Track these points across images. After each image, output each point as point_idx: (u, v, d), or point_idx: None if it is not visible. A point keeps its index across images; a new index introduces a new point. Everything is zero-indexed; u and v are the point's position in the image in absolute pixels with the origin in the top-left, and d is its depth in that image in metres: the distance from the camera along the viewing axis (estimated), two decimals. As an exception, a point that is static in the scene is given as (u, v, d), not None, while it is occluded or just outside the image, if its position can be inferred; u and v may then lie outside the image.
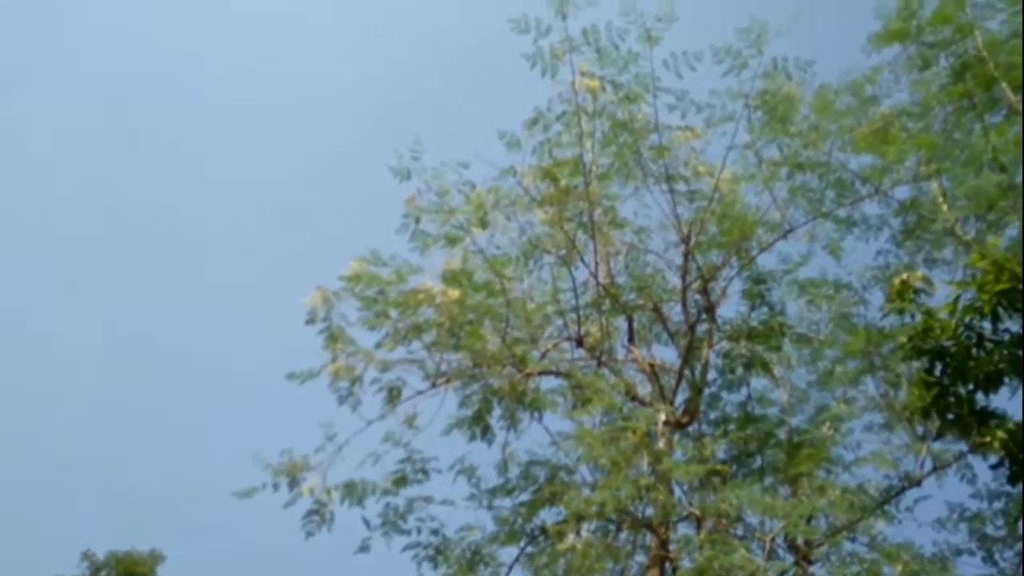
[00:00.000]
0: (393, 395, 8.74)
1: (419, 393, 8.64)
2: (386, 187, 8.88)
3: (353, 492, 8.52)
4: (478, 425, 8.85)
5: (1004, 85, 9.36)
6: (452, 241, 9.07)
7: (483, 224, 9.50)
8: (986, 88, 9.51)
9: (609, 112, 9.90)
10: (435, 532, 8.88)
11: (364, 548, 8.75)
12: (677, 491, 9.28)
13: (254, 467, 8.40)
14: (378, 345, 8.57)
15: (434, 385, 8.59)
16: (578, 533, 7.51)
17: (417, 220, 8.97)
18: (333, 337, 8.52)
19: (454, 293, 8.35)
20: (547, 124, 9.44)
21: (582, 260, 10.52)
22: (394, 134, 9.57)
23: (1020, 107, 9.19)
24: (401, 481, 8.76)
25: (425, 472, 8.82)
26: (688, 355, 10.60)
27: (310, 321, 8.57)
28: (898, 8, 9.65)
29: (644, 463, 7.93)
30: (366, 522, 8.73)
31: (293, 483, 8.36)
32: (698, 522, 8.33)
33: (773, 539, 7.94)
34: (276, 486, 8.36)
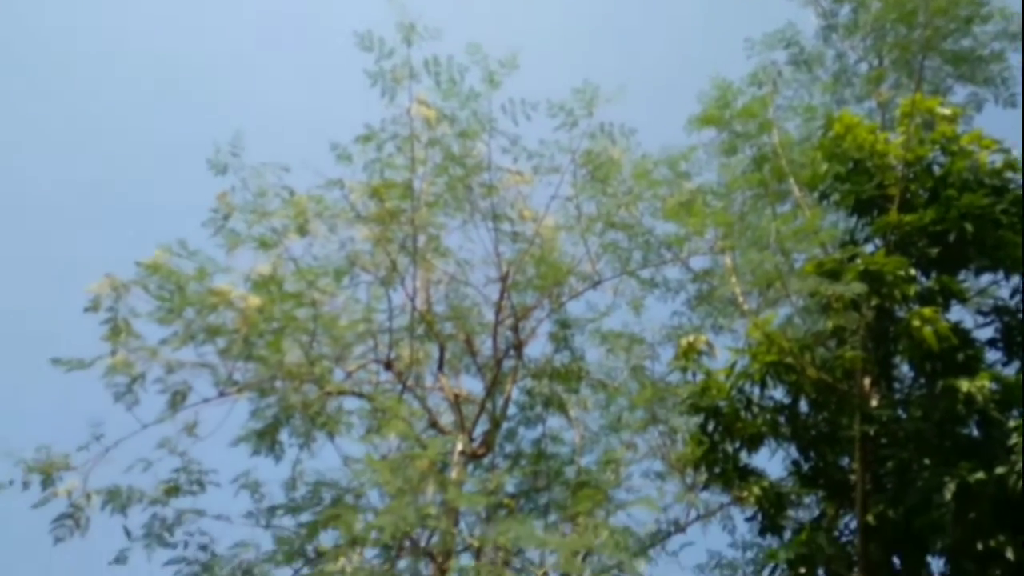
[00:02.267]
0: (177, 399, 7.95)
1: (205, 400, 7.93)
2: (202, 181, 8.24)
3: (116, 498, 7.61)
4: (267, 440, 8.26)
5: (792, 180, 10.31)
6: (265, 245, 8.51)
7: (301, 231, 9.01)
8: (779, 180, 10.41)
9: (444, 144, 9.80)
10: (203, 548, 8.10)
11: (120, 559, 7.83)
12: (463, 522, 9.16)
13: (3, 461, 7.33)
14: (163, 342, 7.81)
15: (222, 394, 7.92)
16: (352, 557, 7.13)
17: (227, 217, 8.35)
18: (117, 329, 7.64)
19: (256, 300, 7.79)
20: (380, 144, 9.19)
21: (402, 284, 10.28)
22: (216, 128, 8.92)
23: (804, 202, 10.15)
24: (173, 491, 7.94)
25: (201, 484, 8.05)
26: (492, 388, 10.58)
27: (91, 309, 7.67)
28: (716, 97, 10.38)
29: (432, 491, 7.73)
30: (127, 532, 7.84)
31: (48, 482, 7.36)
32: (477, 553, 8.22)
33: (546, 573, 7.98)
34: (27, 484, 7.33)
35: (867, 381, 8.94)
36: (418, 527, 7.56)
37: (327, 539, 8.15)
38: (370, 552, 7.92)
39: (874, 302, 8.25)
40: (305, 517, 8.32)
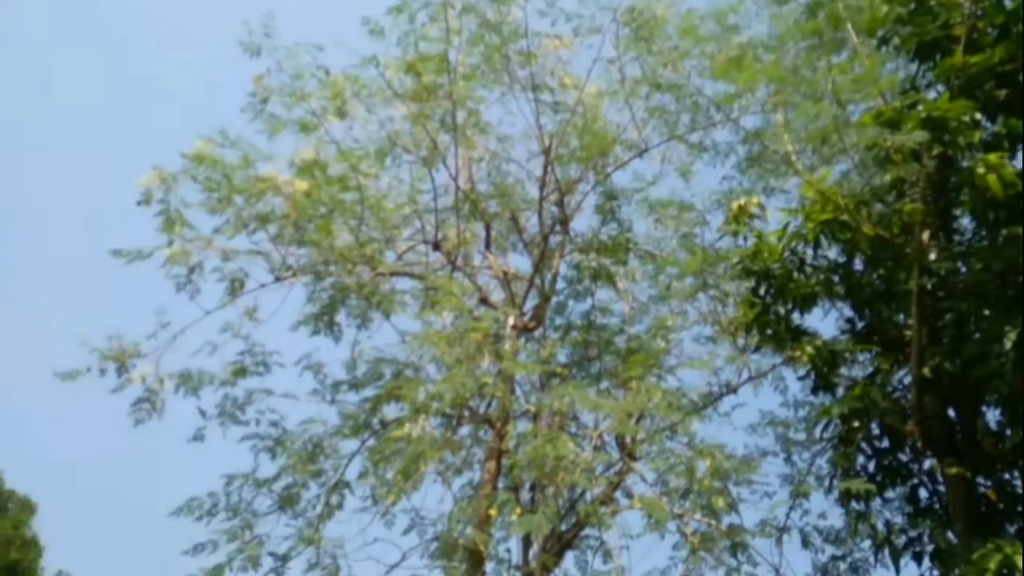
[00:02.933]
0: (235, 286, 8.23)
1: (263, 286, 8.19)
2: (235, 66, 8.15)
3: (188, 381, 8.06)
4: (325, 322, 8.55)
5: (849, 27, 9.73)
6: (305, 128, 8.47)
7: (340, 114, 8.93)
8: (835, 27, 9.84)
9: (478, 11, 9.46)
10: (275, 424, 8.61)
11: (198, 437, 8.40)
12: (518, 391, 9.50)
13: (79, 351, 7.77)
14: (217, 231, 8.00)
15: (278, 279, 8.16)
16: (417, 424, 7.51)
17: (265, 101, 8.30)
18: (170, 220, 7.83)
19: (303, 184, 7.86)
20: (412, 15, 8.90)
21: (443, 163, 10.23)
22: (246, 6, 8.70)
23: (862, 49, 9.61)
24: (240, 372, 8.36)
25: (266, 365, 8.44)
26: (540, 264, 10.67)
27: (144, 202, 7.85)
28: (766, -58, 9.71)
29: (488, 362, 7.98)
30: (202, 412, 8.35)
31: (122, 369, 7.80)
32: (534, 419, 8.56)
33: (601, 436, 8.29)
34: (103, 371, 7.79)
35: (926, 235, 8.73)
36: (476, 395, 7.87)
37: (390, 412, 8.55)
38: (432, 422, 8.30)
39: (936, 151, 7.93)
40: (368, 392, 8.71)
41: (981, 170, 7.80)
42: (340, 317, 8.91)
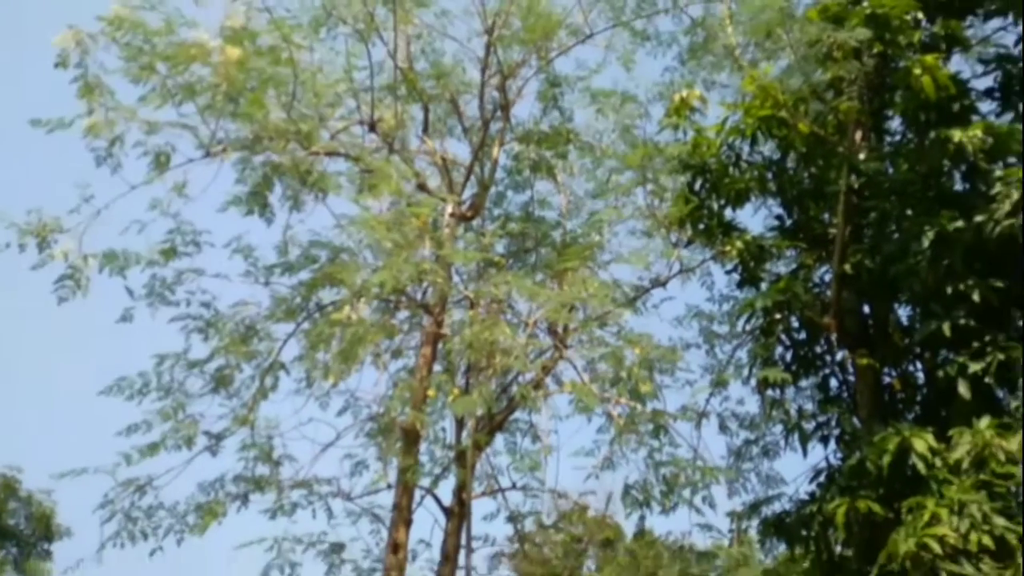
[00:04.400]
0: (161, 161, 7.93)
1: (190, 161, 7.91)
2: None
3: (113, 260, 7.86)
4: (257, 202, 8.38)
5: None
6: (234, -9, 8.04)
7: (272, -23, 8.48)
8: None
9: None
10: (206, 305, 8.56)
11: (126, 318, 8.28)
12: (456, 278, 9.64)
13: (-3, 225, 7.44)
14: (142, 99, 7.62)
15: (208, 154, 7.89)
16: (355, 309, 7.59)
17: (190, -41, 7.79)
18: (89, 86, 7.40)
19: (234, 52, 7.49)
20: None
21: (380, 37, 9.89)
22: None
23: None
24: (170, 253, 8.18)
25: (196, 244, 8.27)
26: (479, 152, 10.62)
27: (60, 65, 7.36)
28: None
29: (426, 249, 8.04)
30: (129, 292, 8.19)
31: (43, 245, 7.54)
32: (471, 305, 8.74)
33: (535, 323, 8.56)
34: (23, 247, 7.51)
35: (859, 135, 9.06)
36: (415, 282, 7.96)
37: (325, 296, 8.58)
38: (369, 306, 8.39)
39: (876, 49, 8.12)
40: (302, 275, 8.68)
41: (917, 71, 8.06)
42: (273, 198, 8.72)
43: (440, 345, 8.57)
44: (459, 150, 11.26)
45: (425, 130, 10.83)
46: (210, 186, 8.01)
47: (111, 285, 7.97)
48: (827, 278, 9.68)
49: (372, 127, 9.98)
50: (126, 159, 7.99)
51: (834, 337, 9.24)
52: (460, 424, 9.06)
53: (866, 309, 9.33)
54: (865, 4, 8.19)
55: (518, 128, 11.48)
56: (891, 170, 8.88)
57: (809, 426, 9.10)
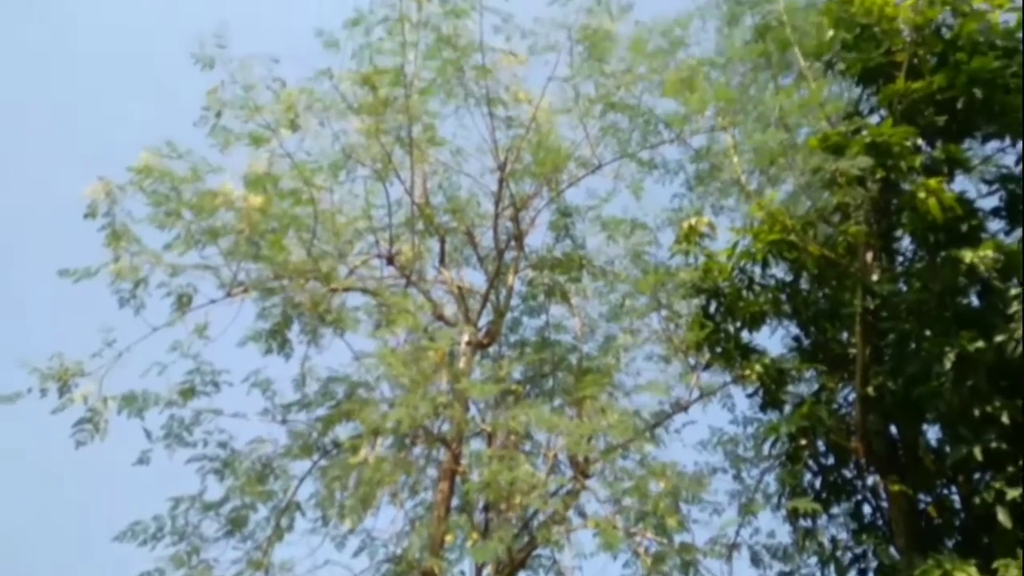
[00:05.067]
0: (183, 302, 8.10)
1: (212, 302, 8.07)
2: (186, 76, 8.05)
3: (133, 403, 7.89)
4: (276, 339, 8.47)
5: (796, 50, 10.13)
6: (257, 141, 8.39)
7: (293, 126, 8.89)
8: (782, 50, 10.22)
9: (434, 24, 9.54)
10: (223, 445, 8.48)
11: (143, 460, 8.21)
12: (473, 409, 9.56)
13: (19, 371, 7.54)
14: (167, 247, 7.87)
15: (229, 294, 8.05)
16: (372, 447, 7.50)
17: (218, 114, 8.21)
18: (116, 234, 7.66)
19: (256, 199, 7.80)
20: (368, 27, 8.93)
21: (398, 176, 10.26)
22: (200, 19, 8.62)
23: (808, 72, 10.01)
24: (188, 393, 8.21)
25: (215, 384, 8.31)
26: (495, 280, 10.78)
27: (90, 215, 7.67)
28: (713, -35, 10.04)
29: (443, 381, 8.02)
30: (147, 433, 8.18)
31: (64, 389, 7.60)
32: (489, 438, 8.62)
33: (555, 455, 8.40)
34: (44, 392, 7.57)
35: (869, 256, 9.14)
36: (431, 417, 7.90)
37: (342, 431, 8.52)
38: (386, 442, 8.30)
39: (879, 175, 8.32)
40: (319, 412, 8.65)
41: (922, 194, 8.22)
42: (291, 334, 8.83)
43: (458, 480, 8.39)
44: (475, 279, 11.45)
45: (442, 261, 11.04)
46: (231, 325, 8.11)
47: (130, 426, 7.97)
48: (851, 399, 9.53)
49: (390, 260, 10.21)
50: (148, 299, 8.16)
51: (863, 461, 8.99)
52: (481, 565, 8.74)
53: (893, 431, 9.12)
54: (864, 133, 8.46)
55: (532, 256, 11.70)
56: (905, 290, 8.88)
57: (845, 557, 8.72)
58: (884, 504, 8.81)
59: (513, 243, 11.03)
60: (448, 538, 7.55)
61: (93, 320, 7.55)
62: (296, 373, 8.94)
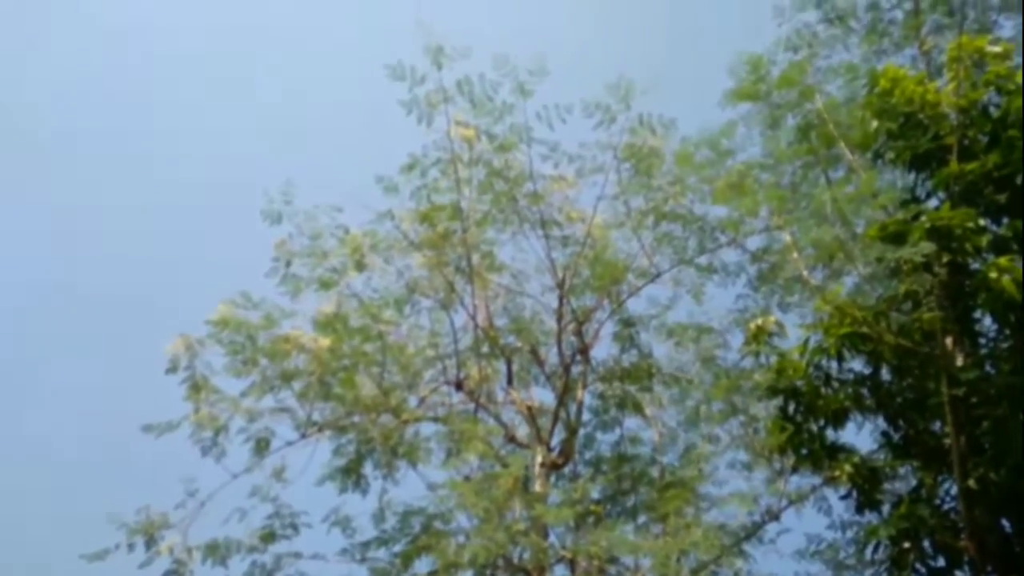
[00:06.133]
0: (261, 446, 8.27)
1: (289, 444, 8.23)
2: (255, 230, 8.57)
3: (216, 551, 7.96)
4: (351, 476, 8.51)
5: (842, 144, 10.13)
6: (326, 285, 8.79)
7: (359, 267, 9.29)
8: (827, 146, 10.25)
9: (485, 160, 9.96)
10: (304, 588, 8.44)
11: (229, 610, 8.20)
12: (553, 534, 9.25)
13: (108, 527, 7.74)
14: (244, 394, 8.13)
15: (304, 435, 8.21)
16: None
17: (288, 264, 8.66)
18: (196, 386, 8.00)
19: (325, 341, 8.06)
20: (423, 170, 9.40)
21: (461, 304, 10.47)
22: (265, 175, 9.26)
23: (857, 165, 9.96)
24: (269, 537, 8.24)
25: (295, 527, 8.33)
26: (563, 396, 10.66)
27: (171, 370, 8.04)
28: (748, 70, 10.29)
29: (519, 508, 7.85)
30: (231, 583, 8.19)
31: (151, 542, 7.73)
32: (572, 565, 8.31)
33: (643, 576, 8.01)
34: (132, 546, 7.72)
35: (949, 341, 8.72)
36: (509, 545, 7.69)
37: (421, 566, 8.34)
38: (465, 575, 8.08)
39: (945, 259, 8.06)
40: (397, 547, 8.52)
41: (994, 274, 7.90)
42: (366, 469, 8.85)
43: (545, 612, 8.05)
44: (544, 396, 11.36)
45: (509, 382, 11.03)
46: (307, 466, 8.20)
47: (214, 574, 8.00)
48: (952, 493, 8.87)
49: (458, 386, 10.26)
50: (229, 445, 8.36)
51: (977, 560, 8.26)
52: None
53: (1006, 525, 8.40)
54: (924, 219, 8.27)
55: (599, 368, 11.60)
56: (993, 373, 8.40)
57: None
58: (1008, 608, 8.00)
59: (579, 357, 10.98)
60: None
61: (174, 472, 7.76)
62: (374, 508, 8.89)
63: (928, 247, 7.81)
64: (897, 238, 8.21)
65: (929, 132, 9.41)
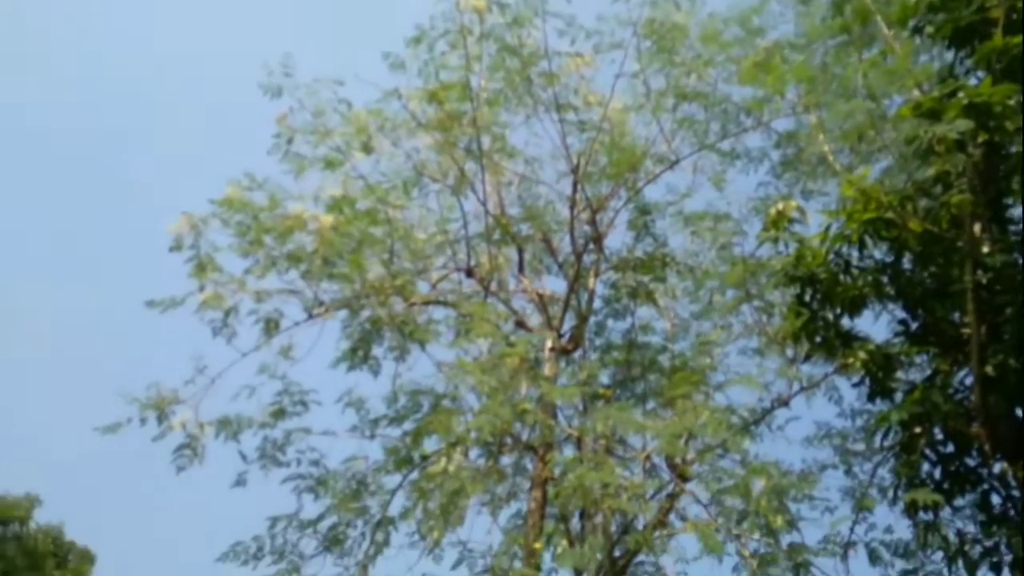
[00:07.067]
0: (270, 326, 8.24)
1: (297, 324, 8.17)
2: (257, 106, 8.23)
3: (228, 426, 8.05)
4: (360, 355, 8.48)
5: (879, 20, 9.43)
6: (331, 164, 8.51)
7: (366, 149, 8.97)
8: (863, 22, 9.56)
9: (497, 35, 9.42)
10: (315, 463, 8.55)
11: (240, 482, 8.36)
12: (561, 416, 9.27)
13: (119, 401, 7.82)
14: (247, 271, 8.02)
15: (311, 316, 8.13)
16: (453, 458, 7.35)
17: (290, 140, 8.36)
18: (201, 266, 7.89)
19: (328, 218, 7.85)
20: (431, 43, 8.91)
21: (472, 189, 10.18)
22: (266, 49, 8.82)
23: (893, 41, 9.30)
24: (279, 414, 8.33)
25: (304, 404, 8.40)
26: (575, 285, 10.51)
27: (175, 248, 7.92)
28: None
29: (525, 388, 7.80)
30: (243, 456, 8.32)
31: (162, 417, 7.83)
32: (579, 443, 8.33)
33: (648, 457, 8.02)
34: (144, 421, 7.82)
35: (977, 227, 8.32)
36: (516, 423, 7.69)
37: (431, 444, 8.42)
38: (475, 452, 8.14)
39: (981, 139, 7.56)
40: (408, 426, 8.59)
41: (1031, 155, 7.42)
42: (378, 351, 8.83)
43: (550, 488, 8.12)
44: (556, 286, 11.21)
45: (521, 270, 10.86)
46: (316, 345, 8.17)
47: (225, 450, 8.12)
48: (968, 382, 8.69)
49: (469, 273, 10.11)
50: (240, 327, 8.32)
51: (987, 448, 8.15)
52: (579, 574, 8.41)
53: (1020, 413, 8.24)
54: (961, 95, 7.72)
55: (612, 257, 11.36)
56: (1021, 261, 8.05)
57: (975, 551, 7.91)
58: (1015, 493, 7.95)
59: (592, 246, 10.73)
60: (537, 545, 7.27)
61: (181, 350, 7.75)
62: (387, 391, 8.92)
63: (965, 124, 7.30)
64: (932, 115, 7.68)
65: (974, 3, 8.69)
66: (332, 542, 8.22)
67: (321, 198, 8.31)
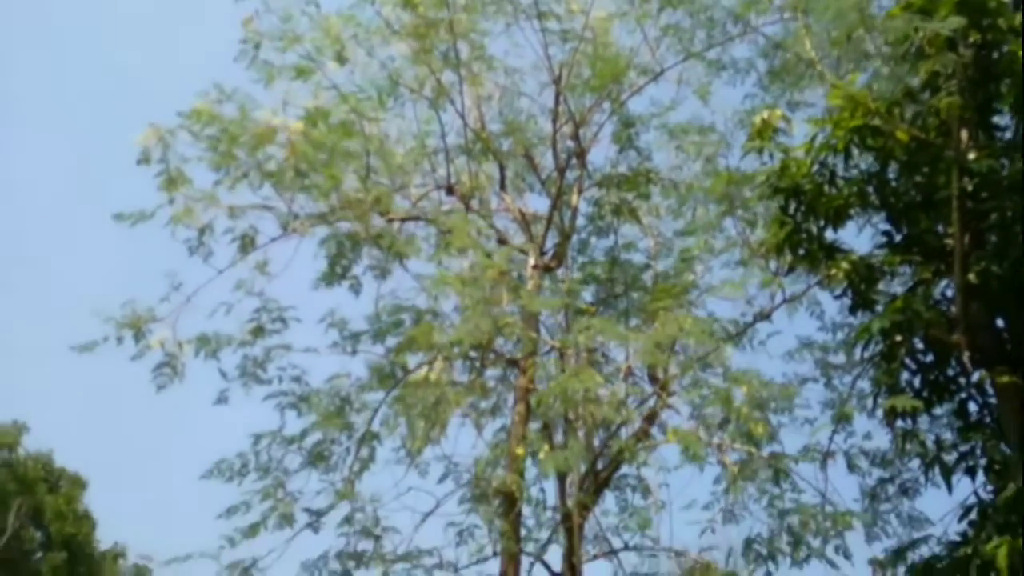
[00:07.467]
0: (246, 242, 8.04)
1: (273, 240, 7.97)
2: (224, 13, 7.82)
3: (206, 344, 7.94)
4: (336, 274, 8.32)
5: (870, -84, 9.01)
6: (302, 73, 8.17)
7: (340, 59, 8.61)
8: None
9: (473, -64, 9.00)
10: (297, 379, 8.49)
11: (222, 400, 8.30)
12: (544, 330, 9.23)
13: (94, 320, 7.66)
14: (218, 183, 7.75)
15: (285, 230, 7.93)
16: (433, 369, 7.30)
17: (257, 46, 7.98)
18: (171, 180, 7.63)
19: (298, 125, 7.55)
20: (405, -56, 8.46)
21: (451, 101, 9.86)
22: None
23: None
24: (258, 331, 8.22)
25: (283, 321, 8.29)
26: (558, 202, 10.31)
27: (143, 161, 7.63)
28: None
29: (507, 302, 7.71)
30: (223, 373, 8.24)
31: (139, 336, 7.69)
32: (561, 356, 8.30)
33: (631, 369, 8.01)
34: (120, 339, 7.68)
35: (964, 133, 8.15)
36: (496, 335, 7.62)
37: (414, 359, 8.35)
38: (457, 366, 8.09)
39: (973, 38, 7.33)
40: (390, 342, 8.51)
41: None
42: (358, 270, 8.66)
43: (532, 401, 8.12)
44: (539, 203, 11.01)
45: (503, 187, 10.64)
46: (295, 262, 7.99)
47: (204, 369, 8.02)
48: (950, 292, 8.67)
49: (450, 190, 9.88)
50: (215, 245, 8.12)
51: (966, 356, 8.18)
52: (563, 484, 8.50)
53: (1000, 322, 8.25)
54: (953, -9, 7.43)
55: (596, 173, 11.14)
56: (1007, 167, 7.92)
57: (950, 458, 8.03)
58: (992, 400, 8.02)
59: (575, 161, 10.50)
60: (519, 451, 7.30)
61: (152, 268, 7.55)
62: (369, 311, 8.79)
63: (957, 21, 7.05)
64: (923, 13, 7.42)
65: None
66: (317, 458, 8.23)
67: (292, 107, 7.98)
